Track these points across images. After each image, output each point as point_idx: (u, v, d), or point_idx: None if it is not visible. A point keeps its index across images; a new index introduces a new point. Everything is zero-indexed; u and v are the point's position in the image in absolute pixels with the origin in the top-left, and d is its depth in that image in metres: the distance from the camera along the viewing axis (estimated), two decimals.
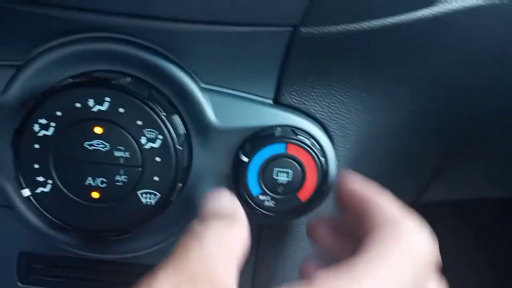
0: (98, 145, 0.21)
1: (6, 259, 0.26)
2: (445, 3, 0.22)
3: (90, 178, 0.22)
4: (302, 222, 0.27)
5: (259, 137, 0.23)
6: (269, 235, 0.27)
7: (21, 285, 0.26)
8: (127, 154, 0.21)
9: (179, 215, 0.24)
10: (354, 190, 0.21)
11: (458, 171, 0.43)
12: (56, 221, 0.23)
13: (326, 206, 0.26)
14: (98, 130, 0.21)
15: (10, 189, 0.23)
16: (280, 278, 0.28)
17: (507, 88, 0.30)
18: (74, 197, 0.22)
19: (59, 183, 0.22)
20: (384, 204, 0.20)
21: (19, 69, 0.22)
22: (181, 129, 0.22)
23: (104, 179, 0.22)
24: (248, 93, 0.23)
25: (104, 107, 0.21)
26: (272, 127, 0.23)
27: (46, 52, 0.21)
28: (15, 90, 0.22)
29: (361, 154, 0.28)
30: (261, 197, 0.23)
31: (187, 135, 0.23)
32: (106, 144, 0.21)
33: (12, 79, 0.22)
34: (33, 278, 0.26)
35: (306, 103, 0.23)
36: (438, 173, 0.42)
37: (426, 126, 0.32)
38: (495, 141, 0.39)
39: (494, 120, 0.35)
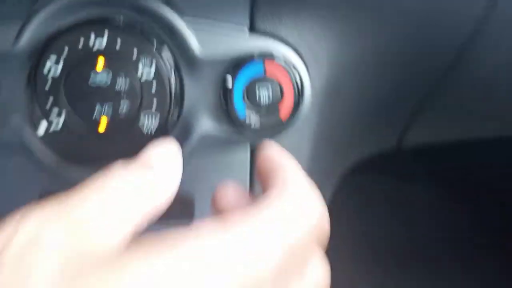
0: (101, 81, 0.25)
1: (28, 201, 0.29)
2: None
3: (96, 112, 0.25)
4: None
5: (240, 64, 0.26)
6: None
7: None
8: (127, 87, 0.25)
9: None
10: (269, 155, 0.22)
11: (436, 112, 0.47)
12: (69, 157, 0.26)
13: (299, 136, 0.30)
14: (100, 66, 0.24)
15: (26, 130, 0.26)
16: None
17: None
18: (83, 132, 0.25)
19: (69, 120, 0.25)
20: (289, 169, 0.20)
21: (26, 21, 0.25)
22: (172, 61, 0.25)
23: (109, 112, 0.25)
24: (226, 22, 0.26)
25: (104, 43, 0.24)
26: (252, 54, 0.26)
27: (49, 4, 0.25)
28: (25, 40, 0.25)
29: (335, 87, 0.32)
30: (248, 117, 0.26)
31: (177, 68, 0.26)
32: (108, 79, 0.24)
33: (21, 30, 0.25)
34: None
35: (279, 30, 0.26)
36: (415, 115, 0.46)
37: (395, 61, 0.35)
38: (467, 80, 0.42)
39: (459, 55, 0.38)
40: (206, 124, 0.27)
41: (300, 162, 0.31)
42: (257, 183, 0.30)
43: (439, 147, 0.63)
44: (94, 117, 0.25)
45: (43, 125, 0.25)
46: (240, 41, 0.26)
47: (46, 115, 0.25)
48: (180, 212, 0.28)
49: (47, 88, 0.24)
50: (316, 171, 0.35)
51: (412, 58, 0.35)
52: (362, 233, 0.87)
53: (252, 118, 0.26)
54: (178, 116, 0.26)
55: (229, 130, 0.27)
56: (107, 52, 0.24)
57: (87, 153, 0.26)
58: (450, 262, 0.90)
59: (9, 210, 0.26)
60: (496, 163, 0.88)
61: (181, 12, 0.25)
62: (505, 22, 0.35)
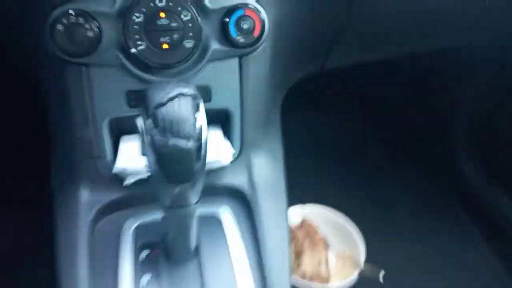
0: (163, 22, 0.48)
1: (119, 94, 0.52)
2: None
3: (162, 38, 0.48)
4: None
5: (232, 10, 0.50)
6: None
7: (129, 108, 0.52)
8: (176, 24, 0.48)
9: (195, 62, 0.51)
10: None
11: (345, 42, 0.73)
12: (148, 64, 0.49)
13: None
14: (162, 15, 0.47)
15: (119, 54, 0.49)
16: None
17: None
18: (155, 49, 0.48)
19: (149, 43, 0.48)
20: None
21: None
22: (195, 11, 0.49)
23: (168, 37, 0.48)
24: None
25: (164, 4, 0.47)
26: (237, 4, 0.50)
27: None
28: (118, 3, 0.47)
29: (279, 24, 0.56)
30: (238, 38, 0.51)
31: (199, 15, 0.49)
32: (167, 21, 0.48)
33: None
34: (134, 104, 0.52)
35: None
36: (331, 45, 0.72)
37: (312, 12, 0.61)
38: (361, 20, 0.68)
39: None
40: (215, 44, 0.51)
41: (263, 73, 0.56)
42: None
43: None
44: (160, 42, 0.48)
45: (134, 49, 0.48)
46: None
47: (134, 44, 0.48)
48: None
49: (134, 30, 0.47)
50: (272, 83, 0.61)
51: (321, 7, 0.61)
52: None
53: (239, 38, 0.51)
54: (201, 41, 0.50)
55: (227, 47, 0.51)
56: (165, 9, 0.47)
57: (157, 59, 0.49)
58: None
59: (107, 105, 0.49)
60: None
61: None
62: None
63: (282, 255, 0.51)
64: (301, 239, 0.90)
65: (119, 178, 0.54)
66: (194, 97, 0.38)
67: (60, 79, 0.50)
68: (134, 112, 0.52)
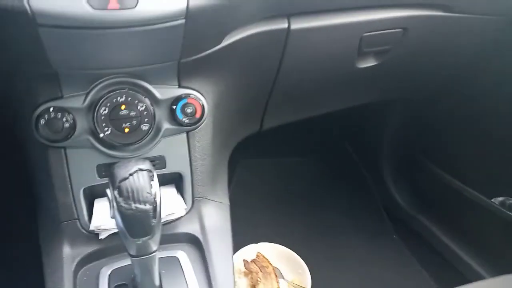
0: (124, 112, 0.62)
1: (91, 168, 0.65)
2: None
3: (123, 124, 0.62)
4: None
5: (177, 99, 0.66)
6: None
7: (99, 178, 0.66)
8: (134, 113, 0.63)
9: (151, 140, 0.66)
10: None
11: (274, 110, 0.90)
12: (114, 144, 0.63)
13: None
14: (123, 107, 0.62)
15: (90, 137, 0.63)
16: None
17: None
18: (119, 132, 0.63)
19: (113, 129, 0.62)
20: None
21: (88, 93, 0.62)
22: (149, 102, 0.64)
23: (129, 123, 0.63)
24: (169, 85, 0.65)
25: (123, 99, 0.62)
26: (181, 95, 0.66)
27: (97, 85, 0.62)
28: (88, 100, 0.62)
29: (217, 104, 0.72)
30: (184, 119, 0.66)
31: (151, 104, 0.65)
32: (127, 111, 0.62)
33: (86, 96, 0.62)
34: (103, 174, 0.66)
35: (193, 85, 0.66)
36: (265, 111, 0.89)
37: (244, 89, 0.77)
38: (281, 92, 0.86)
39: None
40: (166, 125, 0.66)
41: (207, 142, 0.72)
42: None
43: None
44: (122, 127, 0.63)
45: (102, 134, 0.62)
46: (175, 91, 0.66)
47: (102, 130, 0.62)
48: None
49: (101, 119, 0.62)
50: (216, 147, 0.76)
51: (248, 88, 0.78)
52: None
53: (185, 120, 0.66)
54: (155, 123, 0.65)
55: (176, 126, 0.67)
56: (125, 102, 0.62)
57: (121, 143, 0.63)
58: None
59: (82, 177, 0.64)
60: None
61: (149, 81, 0.64)
62: (296, 52, 0.77)
63: (228, 283, 0.65)
64: (256, 271, 1.04)
65: (95, 234, 0.67)
66: (149, 171, 0.53)
67: (43, 158, 0.64)
68: (103, 180, 0.66)
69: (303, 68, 0.82)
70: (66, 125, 0.61)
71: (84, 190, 0.67)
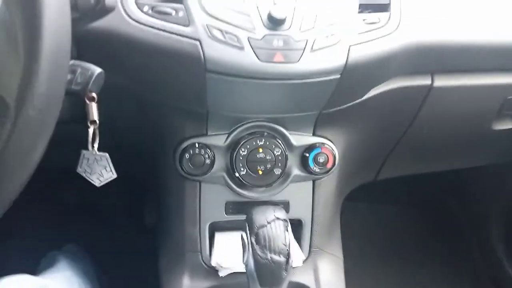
0: (260, 155, 0.64)
1: (220, 204, 0.67)
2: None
3: (258, 166, 0.63)
4: None
5: (311, 146, 0.66)
6: None
7: (226, 215, 0.68)
8: (270, 158, 0.64)
9: (280, 184, 0.67)
10: None
11: (394, 161, 0.87)
12: (246, 184, 0.65)
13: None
14: (260, 150, 0.64)
15: (225, 175, 0.65)
16: None
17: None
18: (253, 174, 0.64)
19: (248, 170, 0.64)
20: None
21: (230, 133, 0.64)
22: (284, 147, 0.65)
23: (263, 166, 0.64)
24: (304, 133, 0.66)
25: (262, 142, 0.64)
26: (315, 143, 0.66)
27: (239, 126, 0.64)
28: (229, 140, 0.64)
29: (344, 156, 0.71)
30: (314, 168, 0.66)
31: (285, 150, 0.66)
32: (263, 154, 0.64)
33: (228, 136, 0.64)
34: (230, 212, 0.68)
35: (326, 134, 0.66)
36: (384, 162, 0.86)
37: (370, 139, 0.76)
38: (411, 143, 0.83)
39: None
40: (296, 171, 0.67)
41: (331, 191, 0.71)
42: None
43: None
44: (257, 169, 0.64)
45: (237, 173, 0.64)
46: (310, 139, 0.66)
47: (238, 170, 0.64)
48: None
49: (240, 159, 0.64)
50: (336, 197, 0.75)
51: (377, 138, 0.76)
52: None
53: (315, 169, 0.66)
54: (285, 169, 0.66)
55: (306, 173, 0.67)
56: (263, 146, 0.64)
57: (253, 184, 0.65)
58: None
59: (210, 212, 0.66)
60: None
61: (286, 127, 0.65)
62: (437, 103, 0.73)
63: None
64: None
65: (215, 270, 0.69)
66: (285, 221, 0.53)
67: (180, 189, 0.67)
68: (229, 217, 0.68)
69: (435, 126, 0.78)
70: (207, 161, 0.63)
71: (210, 225, 0.69)
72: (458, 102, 0.74)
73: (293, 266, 0.69)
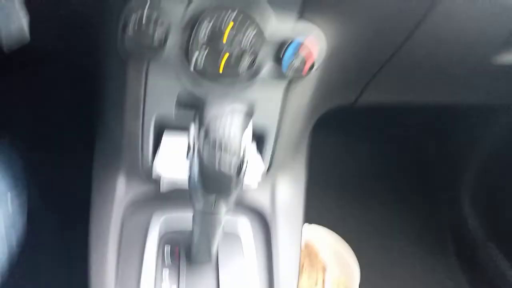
0: (228, 37, 0.50)
1: (171, 93, 0.54)
2: None
3: (223, 50, 0.50)
4: None
5: (292, 35, 0.53)
6: None
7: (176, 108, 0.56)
8: (239, 40, 0.51)
9: (247, 78, 0.54)
10: None
11: (381, 82, 0.76)
12: (206, 70, 0.51)
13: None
14: (227, 30, 0.50)
15: (182, 55, 0.51)
16: None
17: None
18: (216, 58, 0.50)
19: (212, 51, 0.50)
20: None
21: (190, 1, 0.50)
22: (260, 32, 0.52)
23: (228, 51, 0.50)
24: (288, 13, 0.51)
25: (232, 19, 0.50)
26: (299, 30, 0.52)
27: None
28: (189, 11, 0.51)
29: (332, 54, 0.58)
30: (293, 62, 0.53)
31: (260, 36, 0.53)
32: (231, 37, 0.50)
33: (188, 4, 0.50)
34: (182, 104, 0.55)
35: (317, 21, 0.52)
36: (369, 82, 0.75)
37: (360, 45, 0.63)
38: (406, 62, 0.71)
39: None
40: (269, 64, 0.53)
41: (304, 101, 0.59)
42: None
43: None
44: (221, 53, 0.51)
45: (196, 57, 0.51)
46: (293, 23, 0.51)
47: (198, 50, 0.50)
48: None
49: (202, 36, 0.50)
50: (308, 111, 0.64)
51: (370, 44, 0.64)
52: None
53: (294, 64, 0.52)
54: (256, 59, 0.53)
55: (279, 71, 0.54)
56: (233, 24, 0.49)
57: (214, 71, 0.52)
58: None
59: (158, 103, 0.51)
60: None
61: (265, 3, 0.51)
62: (441, 18, 0.61)
63: (292, 275, 0.54)
64: (301, 258, 0.93)
65: (155, 181, 0.58)
66: (246, 116, 0.41)
67: (121, 74, 0.54)
68: (180, 112, 0.56)
69: (431, 49, 0.67)
70: (159, 30, 0.49)
71: (156, 118, 0.57)
72: (463, 22, 0.62)
73: (249, 181, 0.60)
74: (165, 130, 0.60)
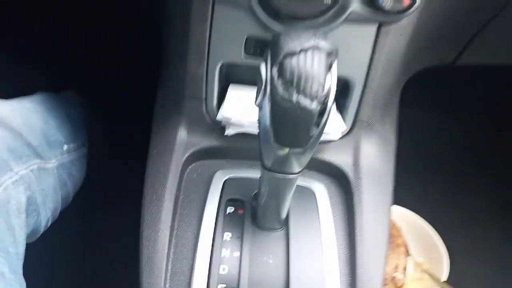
0: None
1: (239, 39, 0.48)
2: None
3: None
4: None
5: None
6: None
7: (245, 56, 0.49)
8: None
9: (330, 20, 0.45)
10: None
11: (486, 41, 0.62)
12: (279, 11, 0.44)
13: None
14: None
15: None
16: None
17: None
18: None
19: None
20: None
21: None
22: None
23: None
24: None
25: None
26: None
27: None
28: None
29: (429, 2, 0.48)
30: (385, 1, 0.44)
31: None
32: None
33: None
34: (252, 52, 0.48)
35: None
36: (472, 40, 0.62)
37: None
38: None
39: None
40: (356, 4, 0.45)
41: (399, 49, 0.49)
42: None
43: None
44: None
45: None
46: None
47: None
48: None
49: None
50: (404, 63, 0.53)
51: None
52: None
53: (387, 2, 0.44)
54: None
55: (370, 9, 0.45)
56: None
57: (289, 12, 0.44)
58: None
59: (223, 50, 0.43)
60: None
61: None
62: None
63: (379, 254, 0.45)
64: None
65: (219, 126, 0.52)
66: (330, 54, 0.33)
67: (186, 15, 0.47)
68: (249, 61, 0.49)
69: None
70: None
71: (221, 67, 0.50)
72: None
73: (328, 139, 0.51)
74: (230, 85, 0.53)
